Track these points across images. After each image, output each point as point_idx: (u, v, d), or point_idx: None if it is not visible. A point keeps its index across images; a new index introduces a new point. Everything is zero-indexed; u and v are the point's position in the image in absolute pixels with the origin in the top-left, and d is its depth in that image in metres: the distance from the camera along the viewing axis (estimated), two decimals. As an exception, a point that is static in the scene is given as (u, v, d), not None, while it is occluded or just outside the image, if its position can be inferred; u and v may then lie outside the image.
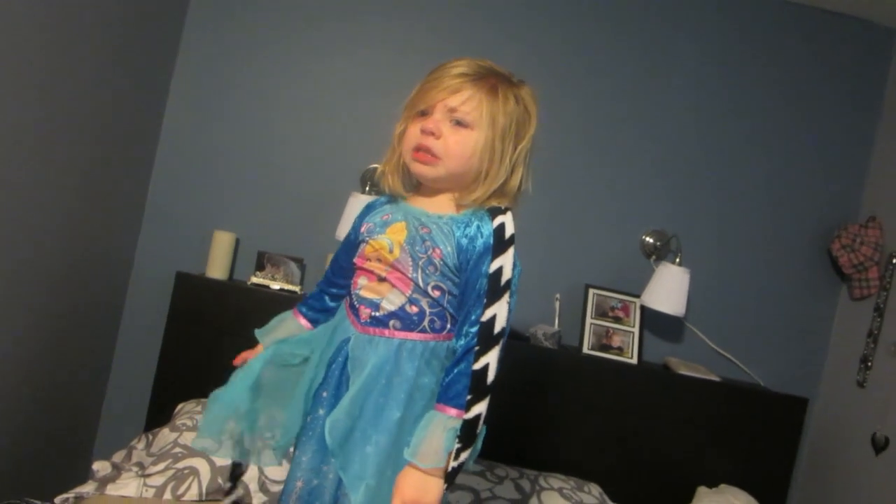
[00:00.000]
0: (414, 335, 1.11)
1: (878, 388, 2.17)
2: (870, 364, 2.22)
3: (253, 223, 2.30)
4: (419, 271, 1.11)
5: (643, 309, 2.30)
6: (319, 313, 1.30)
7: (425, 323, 1.12)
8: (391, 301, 1.12)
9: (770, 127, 2.42)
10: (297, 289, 2.21)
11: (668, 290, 2.21)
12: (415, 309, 1.11)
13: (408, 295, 1.12)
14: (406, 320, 1.11)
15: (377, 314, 1.13)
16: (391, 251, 1.14)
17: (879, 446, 2.10)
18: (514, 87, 1.17)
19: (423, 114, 1.15)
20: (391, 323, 1.12)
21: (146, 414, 2.14)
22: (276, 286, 2.19)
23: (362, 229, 1.22)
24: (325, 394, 1.16)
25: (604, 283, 2.36)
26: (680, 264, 2.23)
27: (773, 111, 2.42)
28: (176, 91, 2.29)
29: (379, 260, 1.15)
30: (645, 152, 2.39)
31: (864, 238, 2.25)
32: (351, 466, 1.07)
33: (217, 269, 2.19)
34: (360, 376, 1.09)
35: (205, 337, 2.13)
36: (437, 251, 1.11)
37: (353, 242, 1.26)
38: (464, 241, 1.10)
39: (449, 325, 1.13)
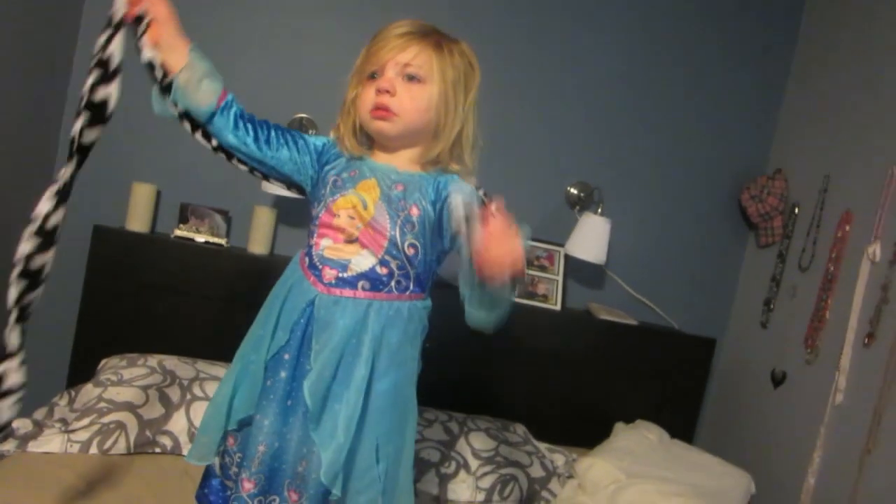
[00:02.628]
0: (381, 295, 1.13)
1: (778, 328, 2.35)
2: (772, 307, 2.39)
3: (175, 175, 2.23)
4: (397, 229, 1.13)
5: (567, 257, 2.39)
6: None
7: (392, 284, 1.14)
8: (360, 262, 1.13)
9: (686, 83, 2.51)
10: (223, 241, 2.17)
11: (591, 239, 2.30)
12: (384, 270, 1.13)
13: (379, 256, 1.13)
14: (375, 281, 1.13)
15: (344, 275, 1.12)
16: (365, 208, 1.14)
17: (777, 381, 2.28)
18: (455, 42, 1.23)
19: (374, 76, 1.16)
20: (360, 284, 1.12)
21: (67, 371, 2.08)
22: (200, 239, 2.14)
23: (329, 179, 1.19)
24: (286, 356, 1.14)
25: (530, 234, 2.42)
26: (602, 214, 2.32)
27: (688, 66, 2.50)
28: (86, 30, 2.15)
29: (351, 217, 1.14)
30: (569, 107, 2.44)
31: (771, 189, 2.40)
32: (322, 425, 1.10)
33: (137, 221, 2.12)
34: (331, 339, 1.10)
35: (127, 291, 2.07)
36: (415, 208, 1.14)
37: (308, 150, 1.23)
38: (438, 197, 1.17)
39: (412, 286, 1.16)
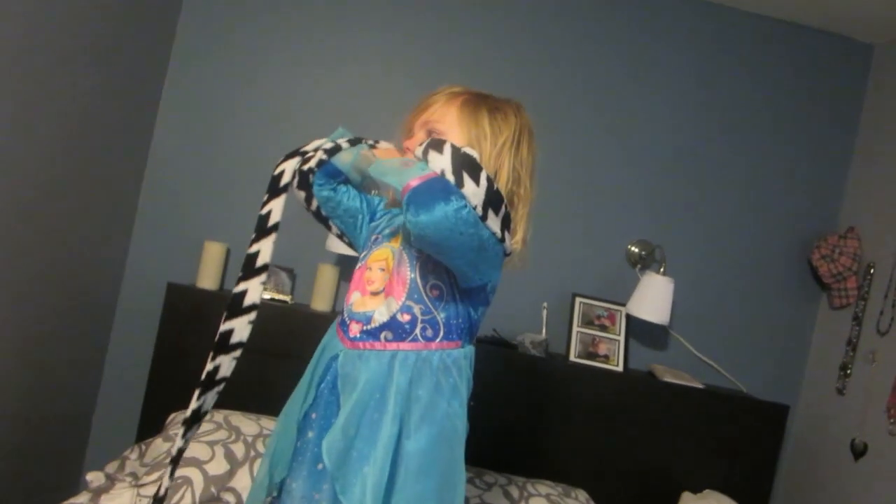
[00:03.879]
0: (405, 345, 1.08)
1: (856, 395, 2.23)
2: (849, 372, 2.27)
3: (244, 233, 2.30)
4: (417, 271, 1.10)
5: (629, 317, 2.35)
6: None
7: (417, 331, 1.08)
8: (383, 312, 1.10)
9: (751, 139, 2.48)
10: (287, 298, 2.23)
11: (653, 298, 2.25)
12: (407, 317, 1.09)
13: (401, 302, 1.09)
14: (398, 330, 1.08)
15: (368, 327, 1.10)
16: (394, 257, 1.15)
17: (858, 452, 2.15)
18: (494, 100, 1.19)
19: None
20: (382, 335, 1.09)
21: (137, 424, 2.15)
22: (266, 296, 2.21)
23: (371, 236, 1.24)
24: (314, 416, 1.13)
25: (590, 292, 2.40)
26: (664, 273, 2.28)
27: (755, 124, 2.48)
28: (166, 101, 2.31)
29: (382, 269, 1.15)
30: (630, 164, 2.44)
31: (843, 248, 2.31)
32: (351, 490, 1.03)
33: (208, 279, 2.21)
34: (354, 393, 1.06)
35: (196, 347, 2.13)
36: None
37: (370, 204, 1.30)
38: None
39: (441, 335, 1.09)
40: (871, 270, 2.26)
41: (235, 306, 1.11)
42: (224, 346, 1.12)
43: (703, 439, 2.28)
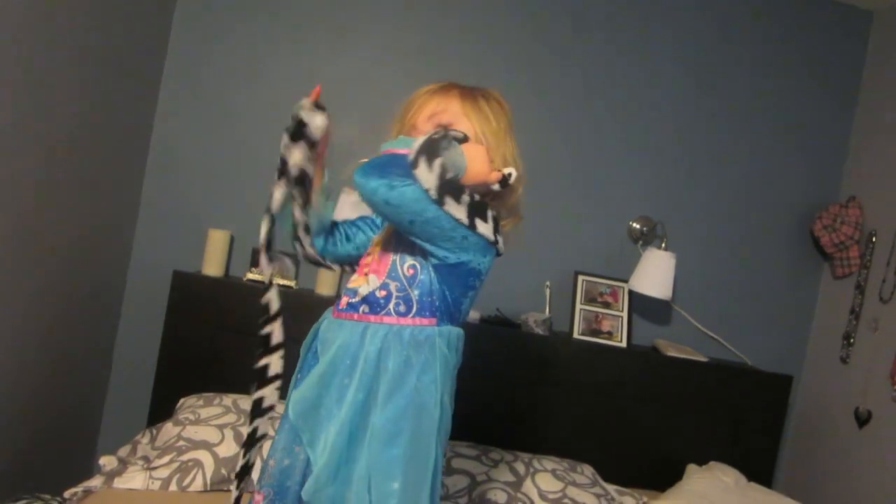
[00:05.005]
0: (377, 318, 1.14)
1: (860, 363, 2.24)
2: (852, 340, 2.28)
3: (247, 221, 2.34)
4: (398, 252, 1.17)
5: (631, 293, 2.36)
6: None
7: (391, 306, 1.14)
8: (365, 288, 1.18)
9: (751, 111, 2.47)
10: (291, 283, 2.25)
11: (655, 274, 2.26)
12: (383, 293, 1.15)
13: (381, 280, 1.16)
14: (374, 304, 1.15)
15: (353, 300, 1.18)
16: (384, 240, 1.22)
17: (862, 420, 2.17)
18: (480, 90, 1.26)
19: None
20: (361, 307, 1.16)
21: (148, 409, 2.19)
22: (271, 281, 2.23)
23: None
24: (298, 376, 1.22)
25: (592, 270, 2.41)
26: (666, 249, 2.29)
27: (754, 94, 2.47)
28: (167, 89, 2.32)
29: (369, 254, 1.23)
30: (629, 141, 2.44)
31: (845, 218, 2.31)
32: (317, 443, 1.12)
33: (213, 266, 2.23)
34: (326, 356, 1.15)
35: (203, 333, 2.17)
36: None
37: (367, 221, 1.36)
38: None
39: (414, 311, 1.14)
40: (873, 239, 2.26)
41: (256, 408, 1.18)
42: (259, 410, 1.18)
43: (708, 412, 2.30)
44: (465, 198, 1.06)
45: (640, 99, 2.44)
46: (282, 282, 2.24)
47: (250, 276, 2.24)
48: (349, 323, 1.16)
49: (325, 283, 2.26)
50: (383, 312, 1.14)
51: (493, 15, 2.39)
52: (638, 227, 2.44)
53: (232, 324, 2.18)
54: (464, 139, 1.11)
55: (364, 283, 1.18)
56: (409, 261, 1.16)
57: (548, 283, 2.39)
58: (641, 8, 2.43)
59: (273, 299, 1.20)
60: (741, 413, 2.31)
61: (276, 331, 1.19)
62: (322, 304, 2.17)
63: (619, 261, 2.42)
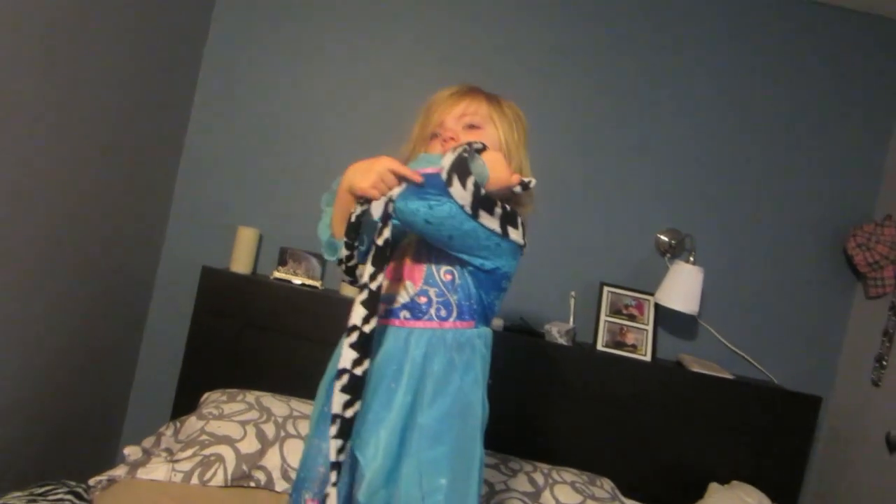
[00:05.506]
0: (421, 323, 1.19)
1: (892, 386, 2.18)
2: (885, 363, 2.22)
3: (276, 219, 2.37)
4: (433, 258, 1.21)
5: (657, 307, 2.33)
6: None
7: (432, 311, 1.19)
8: (403, 294, 1.21)
9: (784, 125, 2.43)
10: (317, 284, 2.27)
11: (682, 288, 2.23)
12: (423, 299, 1.19)
13: (419, 286, 1.20)
14: (415, 310, 1.19)
15: (391, 307, 1.21)
16: (413, 246, 1.25)
17: (893, 445, 2.11)
18: (501, 98, 1.31)
19: (435, 136, 1.26)
20: (402, 314, 1.20)
21: (173, 402, 2.22)
22: (297, 281, 2.25)
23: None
24: None
25: (618, 281, 2.39)
26: (694, 263, 2.26)
27: (788, 110, 2.43)
28: (202, 90, 2.36)
29: (404, 258, 1.25)
30: (660, 152, 2.42)
31: (880, 237, 2.26)
32: (366, 447, 1.13)
33: (241, 263, 2.26)
34: (372, 363, 1.15)
35: (229, 329, 2.20)
36: None
37: None
38: None
39: (455, 315, 1.19)
40: (910, 261, 2.21)
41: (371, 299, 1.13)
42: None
43: (733, 430, 2.26)
44: (498, 210, 1.12)
45: (671, 111, 2.42)
46: (308, 282, 2.26)
47: (277, 274, 2.26)
48: (391, 329, 1.20)
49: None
50: (425, 317, 1.19)
51: (522, 27, 2.39)
52: (666, 239, 2.41)
53: (257, 321, 2.21)
54: (483, 149, 1.14)
55: (402, 289, 1.21)
56: (446, 267, 1.20)
57: (573, 293, 2.38)
58: (680, 20, 2.41)
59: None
60: (767, 433, 2.26)
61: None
62: (346, 306, 2.19)
63: (645, 273, 2.40)
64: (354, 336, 1.09)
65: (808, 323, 2.43)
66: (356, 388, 1.10)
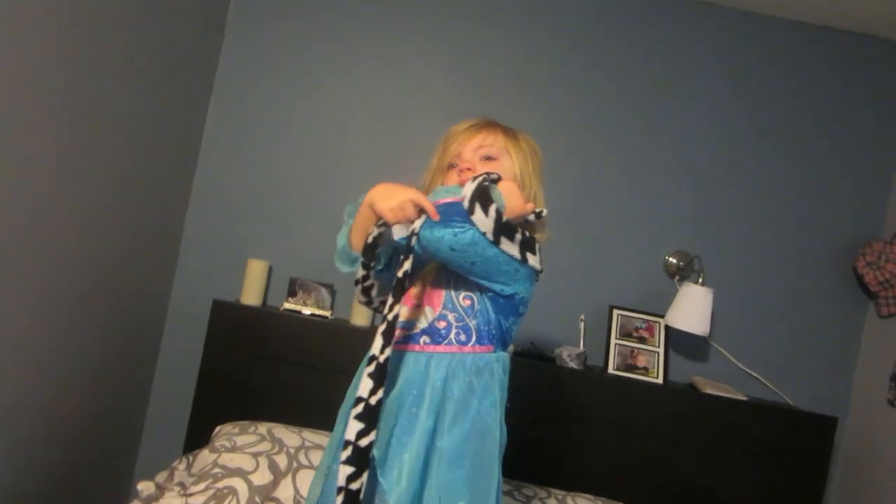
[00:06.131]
0: (441, 348, 1.21)
1: (909, 406, 2.15)
2: (900, 382, 2.20)
3: (285, 251, 2.39)
4: (451, 283, 1.24)
5: (668, 329, 2.33)
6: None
7: (451, 336, 1.22)
8: (422, 320, 1.24)
9: (791, 145, 2.44)
10: (327, 314, 2.28)
11: (692, 309, 2.23)
12: (442, 324, 1.22)
13: (437, 311, 1.23)
14: (435, 335, 1.22)
15: (410, 332, 1.24)
16: (431, 273, 1.28)
17: (912, 465, 2.08)
18: (517, 131, 1.36)
19: (453, 166, 1.31)
20: (422, 339, 1.23)
21: (185, 435, 2.22)
22: (307, 311, 2.27)
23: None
24: None
25: (628, 304, 2.39)
26: (703, 284, 2.25)
27: (796, 129, 2.44)
28: (212, 123, 2.41)
29: (421, 284, 1.28)
30: (666, 173, 2.43)
31: (890, 255, 2.25)
32: (390, 472, 1.15)
33: (251, 295, 2.27)
34: (393, 388, 1.19)
35: (240, 361, 2.21)
36: None
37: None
38: None
39: (474, 339, 1.22)
40: (921, 278, 2.20)
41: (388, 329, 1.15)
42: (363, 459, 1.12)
43: (747, 453, 2.24)
44: (518, 236, 1.15)
45: (677, 131, 2.44)
46: (318, 312, 2.28)
47: (287, 305, 2.28)
48: (411, 354, 1.22)
49: (360, 314, 2.28)
50: (445, 342, 1.22)
51: (531, 54, 2.43)
52: (674, 261, 2.41)
53: (268, 352, 2.22)
54: (498, 179, 1.18)
55: (421, 315, 1.24)
56: (465, 292, 1.24)
57: (582, 316, 2.38)
58: (687, 41, 2.44)
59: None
60: (783, 455, 2.23)
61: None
62: (357, 335, 2.21)
63: (654, 295, 2.40)
64: (372, 366, 1.11)
65: (821, 342, 2.42)
66: (371, 417, 1.10)
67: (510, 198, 1.17)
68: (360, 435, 1.10)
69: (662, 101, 2.44)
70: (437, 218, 1.12)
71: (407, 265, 1.14)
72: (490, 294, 1.22)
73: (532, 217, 1.21)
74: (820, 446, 2.25)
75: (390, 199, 1.14)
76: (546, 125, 2.38)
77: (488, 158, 1.29)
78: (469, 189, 1.13)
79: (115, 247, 1.95)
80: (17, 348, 1.58)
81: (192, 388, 2.26)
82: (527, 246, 1.17)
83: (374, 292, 1.33)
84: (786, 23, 2.44)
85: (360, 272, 1.26)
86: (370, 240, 1.20)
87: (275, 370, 2.23)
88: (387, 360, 1.12)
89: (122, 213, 1.95)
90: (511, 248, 1.15)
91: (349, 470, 1.10)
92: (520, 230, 1.16)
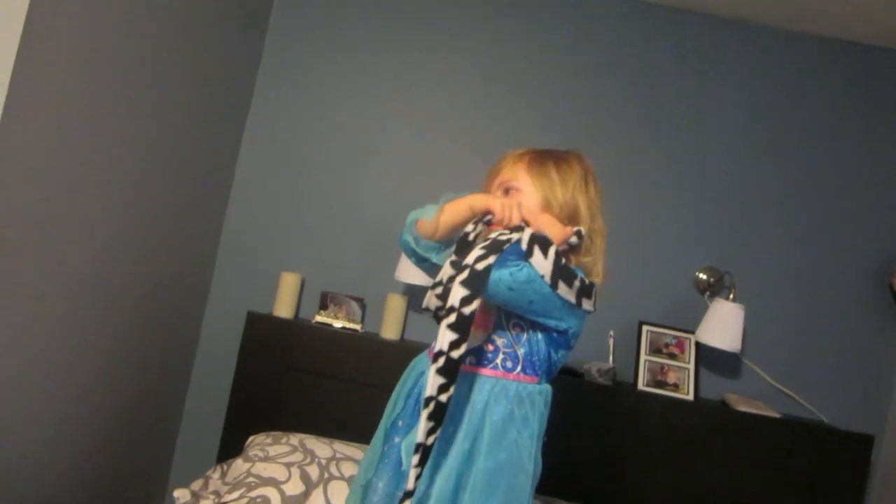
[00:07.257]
0: (486, 371, 1.21)
1: (949, 426, 2.10)
2: (939, 401, 2.15)
3: (317, 265, 2.44)
4: (502, 310, 1.24)
5: (698, 345, 2.31)
6: None
7: (498, 361, 1.22)
8: (473, 340, 1.21)
9: (824, 159, 2.42)
10: (358, 327, 2.32)
11: (723, 325, 2.21)
12: (490, 347, 1.23)
13: (487, 334, 1.23)
14: (481, 357, 1.22)
15: None
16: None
17: (953, 487, 2.03)
18: (558, 153, 1.34)
19: None
20: (467, 359, 1.21)
21: (219, 445, 2.27)
22: (338, 325, 2.30)
23: None
24: (400, 423, 1.26)
25: (657, 320, 2.38)
26: (734, 300, 2.24)
27: (827, 144, 2.42)
28: (248, 140, 2.47)
29: None
30: (697, 189, 2.43)
31: (927, 271, 2.21)
32: (418, 495, 1.14)
33: (284, 308, 2.32)
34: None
35: (273, 372, 2.26)
36: None
37: None
38: None
39: (520, 368, 1.22)
40: (960, 294, 2.15)
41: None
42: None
43: (781, 472, 2.20)
44: (577, 283, 1.17)
45: (708, 147, 2.43)
46: (349, 325, 2.31)
47: (319, 318, 2.32)
48: None
49: (390, 327, 2.31)
50: (490, 366, 1.22)
51: (556, 76, 2.45)
52: (704, 277, 2.40)
53: (300, 364, 2.26)
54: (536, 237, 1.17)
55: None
56: (515, 319, 1.24)
57: (611, 332, 2.37)
58: (717, 57, 2.44)
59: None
60: (817, 474, 2.19)
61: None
62: (387, 348, 2.24)
63: (684, 311, 2.38)
64: (441, 361, 1.10)
65: (856, 359, 2.38)
66: (463, 327, 1.11)
67: (550, 229, 1.19)
68: (454, 346, 1.10)
69: (695, 118, 2.44)
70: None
71: (475, 304, 1.11)
72: (543, 328, 1.22)
73: (574, 239, 1.23)
74: (856, 465, 2.21)
75: (498, 200, 1.19)
76: (574, 144, 2.38)
77: (507, 190, 1.30)
78: (527, 234, 1.16)
79: (153, 260, 2.01)
80: (54, 361, 1.64)
81: (225, 398, 2.31)
82: (584, 292, 1.19)
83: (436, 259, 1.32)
84: (811, 38, 2.43)
85: (414, 254, 1.28)
86: (471, 237, 1.21)
87: (306, 382, 2.26)
88: (461, 357, 1.11)
89: (159, 227, 2.01)
90: (568, 293, 1.16)
91: (419, 472, 1.11)
92: (579, 277, 1.17)
